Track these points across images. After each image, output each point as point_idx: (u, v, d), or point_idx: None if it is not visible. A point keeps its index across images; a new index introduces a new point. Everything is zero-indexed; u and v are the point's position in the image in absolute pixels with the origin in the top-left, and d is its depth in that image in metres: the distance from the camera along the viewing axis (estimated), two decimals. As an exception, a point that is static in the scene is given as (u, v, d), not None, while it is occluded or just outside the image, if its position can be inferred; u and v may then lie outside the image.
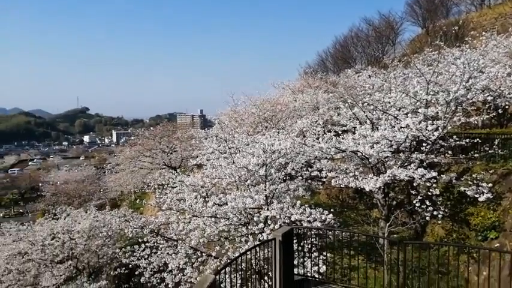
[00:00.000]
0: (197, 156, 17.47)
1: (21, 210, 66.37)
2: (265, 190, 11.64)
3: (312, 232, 10.10)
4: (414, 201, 12.24)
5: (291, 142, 12.52)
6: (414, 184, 12.82)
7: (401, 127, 12.35)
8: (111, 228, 19.48)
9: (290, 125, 19.24)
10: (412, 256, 8.94)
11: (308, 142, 13.30)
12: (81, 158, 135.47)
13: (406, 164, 12.89)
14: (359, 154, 12.91)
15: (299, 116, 21.18)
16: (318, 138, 14.17)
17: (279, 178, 12.62)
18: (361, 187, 12.18)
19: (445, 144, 13.44)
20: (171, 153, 36.13)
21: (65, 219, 21.41)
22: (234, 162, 12.63)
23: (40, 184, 70.93)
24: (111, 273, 19.83)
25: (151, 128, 50.15)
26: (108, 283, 18.76)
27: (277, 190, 12.25)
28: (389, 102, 14.37)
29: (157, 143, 36.74)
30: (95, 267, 20.42)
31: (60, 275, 18.77)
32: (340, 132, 14.68)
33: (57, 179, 66.25)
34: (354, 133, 13.86)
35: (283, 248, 7.85)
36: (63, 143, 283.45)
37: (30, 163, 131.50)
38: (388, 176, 11.76)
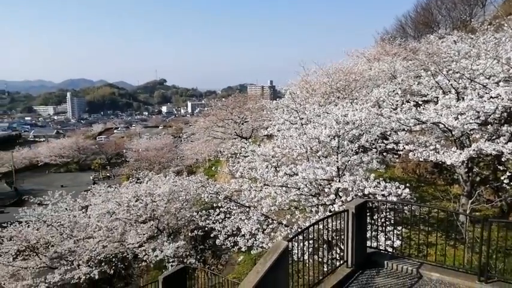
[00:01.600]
0: (268, 127, 17.64)
1: (108, 174, 72.80)
2: (337, 162, 11.45)
3: (387, 206, 9.80)
4: (502, 178, 11.27)
5: (366, 113, 12.06)
6: (502, 159, 11.76)
7: (491, 97, 11.24)
8: (188, 193, 20.70)
9: (365, 95, 18.47)
10: (497, 235, 8.32)
11: (384, 113, 12.71)
12: (159, 127, 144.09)
13: (494, 137, 11.82)
14: (441, 126, 12.08)
15: (375, 85, 20.22)
16: (395, 109, 13.48)
17: (352, 150, 12.31)
18: (442, 161, 11.45)
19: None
20: (242, 124, 36.90)
21: (147, 183, 23.14)
22: (305, 133, 12.53)
23: (124, 150, 77.15)
24: (188, 234, 21.24)
25: (223, 99, 51.44)
26: (186, 243, 20.09)
27: (349, 162, 11.98)
28: (478, 70, 13.08)
29: (229, 113, 37.69)
30: (174, 228, 21.98)
31: (143, 234, 20.52)
32: (420, 103, 13.76)
33: (139, 146, 71.55)
34: (436, 103, 12.93)
35: (356, 220, 7.74)
36: (144, 113, 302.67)
37: (115, 131, 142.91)
38: (474, 149, 10.90)
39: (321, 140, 11.73)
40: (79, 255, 21.34)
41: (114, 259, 21.02)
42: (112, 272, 21.00)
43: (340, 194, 11.18)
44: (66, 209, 24.17)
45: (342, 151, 11.90)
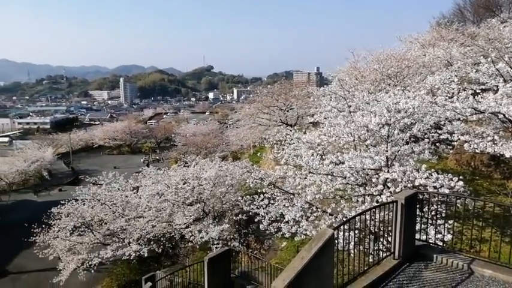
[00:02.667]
0: (314, 114, 17.39)
1: (157, 157, 75.52)
2: (387, 151, 11.11)
3: (438, 198, 9.42)
4: None
5: (419, 101, 11.54)
6: None
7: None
8: (234, 178, 21.04)
9: (418, 82, 17.67)
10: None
11: (439, 101, 12.10)
12: (206, 113, 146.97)
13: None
14: (500, 116, 11.33)
15: (429, 72, 19.27)
16: (451, 98, 12.78)
17: (402, 139, 11.87)
18: (500, 153, 10.76)
19: None
20: (288, 111, 36.67)
21: (194, 167, 23.79)
22: (353, 121, 12.24)
23: (172, 135, 79.59)
24: (233, 218, 21.66)
25: (269, 85, 51.27)
26: (230, 227, 20.54)
27: (399, 152, 11.58)
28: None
29: (275, 100, 37.56)
30: (219, 212, 22.52)
31: (190, 216, 21.19)
32: (478, 91, 12.94)
33: (186, 131, 73.57)
34: (496, 92, 12.11)
35: (405, 212, 7.51)
36: (191, 99, 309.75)
37: (164, 116, 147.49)
38: (537, 142, 10.14)
39: (369, 129, 11.41)
40: (130, 233, 22.50)
41: (162, 238, 21.97)
42: (160, 250, 21.98)
43: (389, 184, 10.86)
44: (118, 189, 25.51)
45: (392, 140, 11.51)
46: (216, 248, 18.53)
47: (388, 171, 10.95)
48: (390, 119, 11.15)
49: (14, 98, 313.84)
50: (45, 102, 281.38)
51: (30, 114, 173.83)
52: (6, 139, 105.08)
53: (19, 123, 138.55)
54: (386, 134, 11.32)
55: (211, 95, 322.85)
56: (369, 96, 14.19)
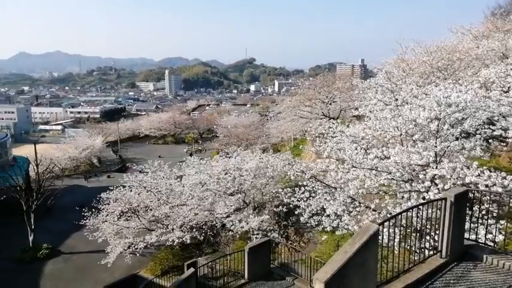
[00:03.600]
0: (358, 108, 17.04)
1: (199, 148, 77.17)
2: (436, 147, 10.69)
3: (489, 197, 8.97)
4: None
5: (472, 95, 10.99)
6: None
7: None
8: (275, 170, 21.13)
9: (470, 75, 16.81)
10: None
11: (493, 96, 11.47)
12: (247, 105, 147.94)
13: None
14: None
15: (482, 65, 18.26)
16: (506, 92, 12.08)
17: (453, 135, 11.38)
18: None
19: None
20: (330, 104, 36.17)
21: (235, 158, 24.15)
22: (400, 115, 11.89)
23: (214, 126, 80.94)
24: (273, 209, 21.82)
25: (311, 78, 50.69)
26: (270, 218, 20.70)
27: (449, 148, 11.11)
28: None
29: (317, 93, 37.16)
30: (259, 203, 22.76)
31: (231, 206, 21.58)
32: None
33: (228, 123, 74.58)
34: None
35: (454, 210, 7.24)
36: (233, 91, 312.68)
37: (207, 108, 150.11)
38: None
39: (417, 123, 11.02)
40: (173, 220, 23.28)
41: (204, 226, 22.55)
42: (202, 238, 22.57)
43: (437, 181, 10.48)
44: (163, 177, 26.41)
45: (441, 136, 11.07)
46: (256, 238, 18.79)
47: (436, 168, 10.56)
48: (440, 113, 10.71)
49: (67, 88, 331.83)
50: (95, 92, 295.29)
51: (81, 104, 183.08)
52: (60, 127, 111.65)
53: (71, 112, 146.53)
54: (435, 129, 10.90)
55: (252, 87, 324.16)
56: (417, 89, 13.69)
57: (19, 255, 28.63)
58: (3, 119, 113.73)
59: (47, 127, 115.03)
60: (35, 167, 35.80)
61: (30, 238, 29.72)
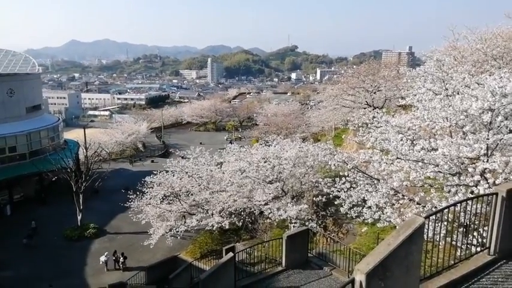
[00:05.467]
0: (404, 97, 16.40)
1: (239, 136, 77.91)
2: (488, 139, 10.10)
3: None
4: None
5: (531, 85, 10.22)
6: None
7: None
8: (315, 159, 20.94)
9: (529, 64, 15.68)
10: None
11: (556, 86, 10.61)
12: (288, 94, 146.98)
13: None
14: None
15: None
16: None
17: (506, 127, 10.69)
18: None
19: None
20: (375, 93, 35.12)
21: (275, 146, 24.16)
22: (450, 105, 11.30)
23: (254, 114, 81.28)
24: (311, 199, 21.68)
25: (355, 66, 49.35)
26: (308, 207, 20.60)
27: (502, 141, 10.46)
28: None
29: (361, 81, 36.15)
30: (298, 192, 22.69)
31: (269, 193, 21.69)
32: None
33: (268, 111, 74.59)
34: None
35: (506, 206, 6.83)
36: (274, 79, 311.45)
37: (247, 96, 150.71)
38: None
39: (469, 114, 10.45)
40: (213, 205, 23.78)
41: (242, 213, 22.89)
42: (240, 224, 22.93)
43: (487, 175, 9.94)
44: (204, 163, 26.98)
45: (494, 128, 10.43)
46: (294, 226, 18.79)
47: (487, 161, 10.00)
48: (494, 104, 10.07)
49: (114, 75, 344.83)
50: (141, 79, 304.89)
51: (128, 90, 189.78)
52: (107, 113, 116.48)
53: (118, 98, 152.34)
54: (488, 121, 10.28)
55: (293, 76, 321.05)
56: (469, 78, 12.94)
57: (68, 233, 30.50)
58: (55, 104, 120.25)
59: (96, 112, 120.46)
60: (84, 150, 37.70)
61: (79, 217, 31.51)
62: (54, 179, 34.85)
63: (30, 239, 29.76)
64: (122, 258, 25.98)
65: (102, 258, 25.89)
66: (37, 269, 25.53)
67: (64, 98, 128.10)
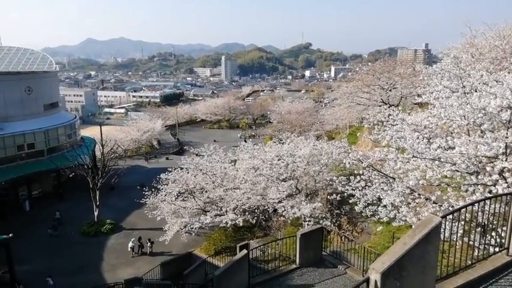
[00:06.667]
0: (421, 95, 16.18)
1: (253, 133, 77.91)
2: (507, 138, 9.92)
3: None
4: None
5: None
6: None
7: None
8: (330, 157, 20.83)
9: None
10: None
11: None
12: (302, 92, 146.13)
13: None
14: None
15: None
16: None
17: (527, 125, 10.48)
18: None
19: None
20: (390, 90, 34.73)
21: (288, 144, 24.13)
22: (468, 102, 11.12)
23: (268, 112, 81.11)
24: (325, 197, 21.58)
25: (370, 63, 48.81)
26: (322, 206, 20.53)
27: (521, 139, 10.27)
28: None
29: (377, 79, 35.77)
30: (312, 190, 22.63)
31: (283, 191, 21.67)
32: None
33: (282, 109, 74.34)
34: None
35: (526, 206, 6.72)
36: (288, 76, 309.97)
37: (261, 94, 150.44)
38: None
39: (487, 112, 10.26)
40: (227, 202, 23.90)
41: (256, 210, 22.93)
42: (254, 221, 22.98)
43: (506, 174, 9.76)
44: (218, 161, 27.13)
45: (514, 126, 10.23)
46: (308, 225, 18.77)
47: (506, 160, 9.82)
48: (514, 102, 9.89)
49: (129, 73, 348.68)
50: (156, 77, 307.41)
51: (143, 88, 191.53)
52: (123, 110, 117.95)
53: (133, 96, 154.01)
54: (507, 119, 10.09)
55: (307, 73, 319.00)
56: (487, 76, 12.70)
57: (85, 228, 31.08)
58: (72, 101, 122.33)
59: (112, 110, 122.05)
60: (100, 147, 38.31)
61: (96, 213, 32.05)
62: (71, 175, 35.53)
63: (55, 230, 30.58)
64: (149, 244, 27.68)
65: (130, 244, 27.67)
66: (53, 264, 26.08)
67: (80, 95, 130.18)
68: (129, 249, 27.55)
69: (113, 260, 26.74)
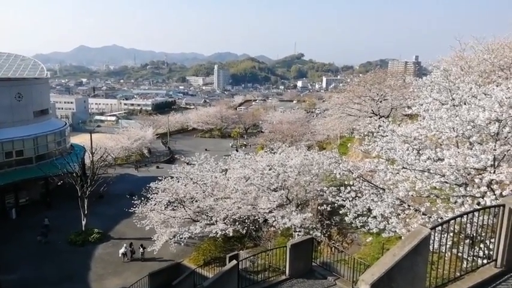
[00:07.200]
0: (411, 106, 16.35)
1: (244, 143, 77.97)
2: (495, 150, 10.04)
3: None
4: None
5: (538, 96, 10.17)
6: None
7: None
8: (320, 167, 20.86)
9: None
10: None
11: None
12: (294, 102, 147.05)
13: None
14: None
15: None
16: None
17: (514, 138, 10.62)
18: None
19: None
20: (381, 102, 35.02)
21: (280, 154, 24.10)
22: (457, 115, 11.26)
23: (260, 122, 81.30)
24: (316, 208, 21.58)
25: (361, 74, 49.32)
26: (312, 216, 20.50)
27: (509, 152, 10.39)
28: None
29: (367, 90, 36.07)
30: (302, 200, 22.57)
31: (274, 201, 21.59)
32: None
33: (273, 119, 74.66)
34: None
35: (513, 218, 6.76)
36: (280, 86, 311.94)
37: (253, 103, 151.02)
38: None
39: (476, 124, 10.39)
40: (217, 212, 23.72)
41: (246, 220, 22.77)
42: (244, 231, 22.82)
43: (494, 187, 9.85)
44: (209, 170, 27.00)
45: (501, 138, 10.36)
46: (298, 235, 18.67)
47: (494, 172, 9.92)
48: (502, 115, 10.03)
49: (121, 80, 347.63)
50: (148, 85, 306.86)
51: (135, 96, 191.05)
52: (114, 118, 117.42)
53: (125, 104, 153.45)
54: (495, 131, 10.22)
55: (299, 84, 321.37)
56: (476, 88, 12.89)
57: (73, 237, 30.55)
58: (63, 108, 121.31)
59: (102, 117, 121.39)
60: (90, 155, 37.87)
61: (83, 222, 31.56)
62: (59, 183, 35.01)
63: (45, 236, 30.03)
64: (141, 249, 27.64)
65: (121, 250, 27.70)
66: (40, 273, 25.54)
67: (71, 102, 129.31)
68: (120, 255, 27.37)
69: (100, 270, 26.27)
